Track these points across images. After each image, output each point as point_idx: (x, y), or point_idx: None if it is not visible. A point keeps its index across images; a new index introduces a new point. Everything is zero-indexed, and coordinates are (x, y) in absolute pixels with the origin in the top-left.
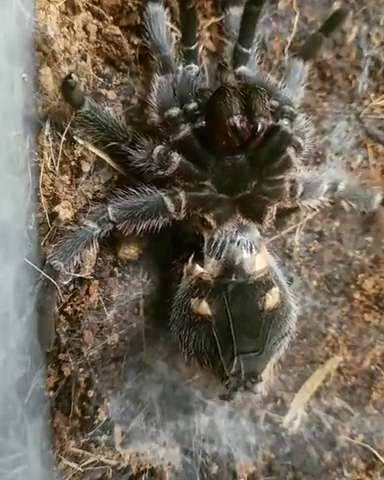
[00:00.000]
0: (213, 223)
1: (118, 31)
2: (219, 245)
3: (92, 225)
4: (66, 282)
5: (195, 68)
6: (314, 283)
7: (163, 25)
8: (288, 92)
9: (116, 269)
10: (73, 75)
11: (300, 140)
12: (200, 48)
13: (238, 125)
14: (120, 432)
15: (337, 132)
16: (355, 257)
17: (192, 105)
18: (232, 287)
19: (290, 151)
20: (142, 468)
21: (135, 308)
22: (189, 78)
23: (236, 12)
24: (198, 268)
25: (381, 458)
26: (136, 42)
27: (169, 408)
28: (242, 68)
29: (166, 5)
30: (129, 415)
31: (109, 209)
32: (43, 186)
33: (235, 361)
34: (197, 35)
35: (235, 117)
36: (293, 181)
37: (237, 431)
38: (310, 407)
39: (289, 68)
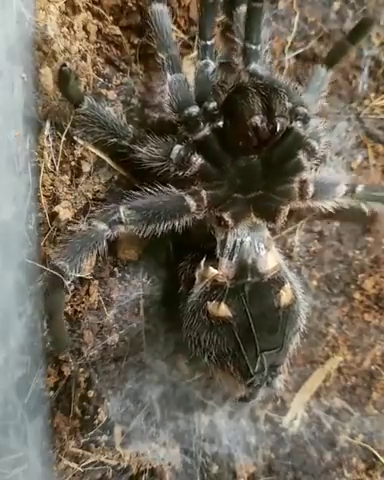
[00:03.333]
0: (231, 222)
1: (118, 31)
2: (232, 246)
3: (102, 226)
4: (68, 282)
5: (212, 64)
6: (314, 283)
7: (168, 24)
8: (308, 98)
9: (116, 269)
10: (68, 63)
11: (315, 143)
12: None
13: (259, 125)
14: (120, 432)
15: (337, 132)
16: (355, 257)
17: (212, 104)
18: (249, 287)
19: (302, 154)
20: (142, 468)
21: (135, 308)
22: (207, 75)
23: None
24: (212, 271)
25: (381, 458)
26: (136, 42)
27: (169, 408)
28: (254, 66)
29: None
30: (129, 415)
31: (121, 210)
32: (43, 186)
33: (259, 359)
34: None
35: (256, 117)
36: (303, 182)
37: (237, 431)
38: (310, 407)
39: (311, 74)
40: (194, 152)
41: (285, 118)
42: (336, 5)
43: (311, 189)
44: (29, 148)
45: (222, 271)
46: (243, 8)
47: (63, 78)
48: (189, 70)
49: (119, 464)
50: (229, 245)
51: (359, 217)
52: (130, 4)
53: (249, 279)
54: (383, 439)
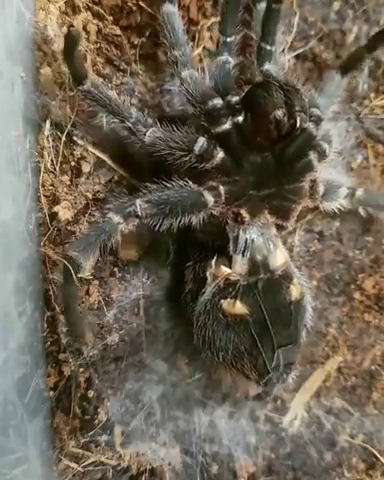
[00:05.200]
0: (248, 218)
1: (118, 31)
2: (244, 243)
3: (117, 218)
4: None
5: (231, 61)
6: (314, 283)
7: (179, 23)
8: (321, 102)
9: (116, 269)
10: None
11: (325, 146)
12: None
13: (281, 118)
14: (120, 432)
15: (337, 132)
16: (355, 257)
17: (235, 98)
18: (262, 284)
19: (313, 155)
20: (142, 468)
21: (135, 308)
22: (228, 70)
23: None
24: (225, 269)
25: (381, 458)
26: (136, 42)
27: (169, 408)
28: (267, 66)
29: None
30: (129, 415)
31: (138, 203)
32: (43, 186)
33: (276, 355)
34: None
35: (279, 111)
36: (313, 181)
37: (237, 431)
38: (310, 407)
39: (326, 79)
40: (216, 145)
41: (305, 114)
42: (336, 5)
43: (321, 189)
44: (29, 148)
45: (235, 269)
46: (263, 5)
47: (70, 42)
48: None
49: (119, 464)
50: (242, 242)
51: (357, 218)
52: (130, 4)
53: (262, 276)
54: (383, 439)
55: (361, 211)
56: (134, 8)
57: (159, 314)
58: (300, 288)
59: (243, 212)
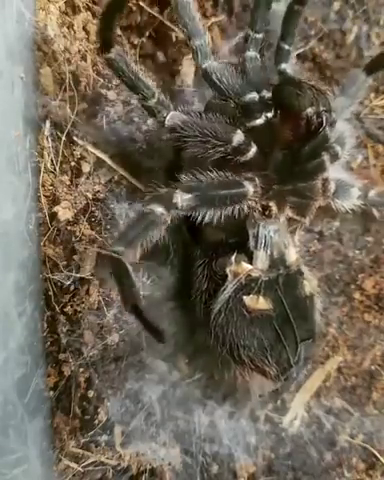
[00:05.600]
0: (275, 211)
1: (118, 31)
2: (264, 239)
3: (159, 209)
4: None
5: (259, 58)
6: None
7: (195, 12)
8: (342, 101)
9: None
10: None
11: (338, 148)
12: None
13: (312, 117)
14: (120, 432)
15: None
16: (355, 257)
17: (268, 94)
18: (282, 279)
19: (325, 157)
20: (142, 468)
21: None
22: (260, 66)
23: (281, 7)
24: (246, 265)
25: (381, 458)
26: (136, 42)
27: (169, 408)
28: (284, 65)
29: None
30: (129, 415)
31: (177, 194)
32: (43, 186)
33: (298, 349)
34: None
35: (311, 109)
36: (325, 179)
37: (237, 431)
38: (310, 407)
39: (349, 78)
40: (251, 139)
41: (330, 114)
42: (336, 5)
43: (332, 187)
44: (29, 148)
45: (257, 265)
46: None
47: (114, 6)
48: (189, 70)
49: (119, 464)
50: (262, 238)
51: (357, 218)
52: (130, 4)
53: (281, 271)
54: (383, 439)
55: (375, 213)
56: (134, 8)
57: (159, 314)
58: (312, 284)
59: (272, 205)
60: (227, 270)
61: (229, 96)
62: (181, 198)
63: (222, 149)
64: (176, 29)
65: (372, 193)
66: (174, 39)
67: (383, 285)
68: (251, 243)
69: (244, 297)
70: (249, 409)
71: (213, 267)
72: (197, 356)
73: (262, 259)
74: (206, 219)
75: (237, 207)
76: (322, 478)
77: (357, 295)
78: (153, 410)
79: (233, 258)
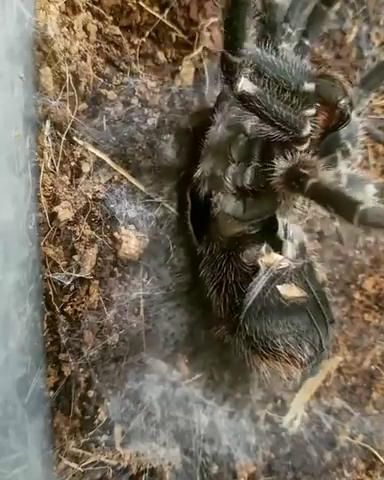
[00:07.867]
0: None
1: (118, 31)
2: (291, 229)
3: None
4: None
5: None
6: None
7: None
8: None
9: (116, 269)
10: None
11: (349, 145)
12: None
13: (346, 107)
14: (120, 432)
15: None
16: (355, 257)
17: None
18: (306, 267)
19: (338, 153)
20: (142, 468)
21: (135, 308)
22: (300, 57)
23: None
24: (278, 256)
25: (381, 458)
26: (136, 42)
27: (169, 408)
28: (303, 61)
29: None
30: (129, 415)
31: (244, 80)
32: (43, 186)
33: (329, 332)
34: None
35: (344, 100)
36: (337, 173)
37: (237, 431)
38: (310, 407)
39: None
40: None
41: (353, 108)
42: (336, 5)
43: (345, 180)
44: (29, 148)
45: (287, 254)
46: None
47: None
48: (189, 70)
49: (119, 464)
50: (290, 228)
51: None
52: (130, 4)
53: (306, 259)
54: (383, 439)
55: None
56: (134, 8)
57: (159, 314)
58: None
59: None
60: (258, 261)
61: (292, 83)
62: (245, 84)
63: (286, 136)
64: (176, 29)
65: None
66: (174, 39)
67: (383, 285)
68: (280, 232)
69: (278, 287)
70: (249, 409)
71: (241, 259)
72: (197, 356)
73: (291, 248)
74: (248, 130)
75: (284, 148)
76: (322, 478)
77: (357, 295)
78: (153, 410)
79: (264, 249)
